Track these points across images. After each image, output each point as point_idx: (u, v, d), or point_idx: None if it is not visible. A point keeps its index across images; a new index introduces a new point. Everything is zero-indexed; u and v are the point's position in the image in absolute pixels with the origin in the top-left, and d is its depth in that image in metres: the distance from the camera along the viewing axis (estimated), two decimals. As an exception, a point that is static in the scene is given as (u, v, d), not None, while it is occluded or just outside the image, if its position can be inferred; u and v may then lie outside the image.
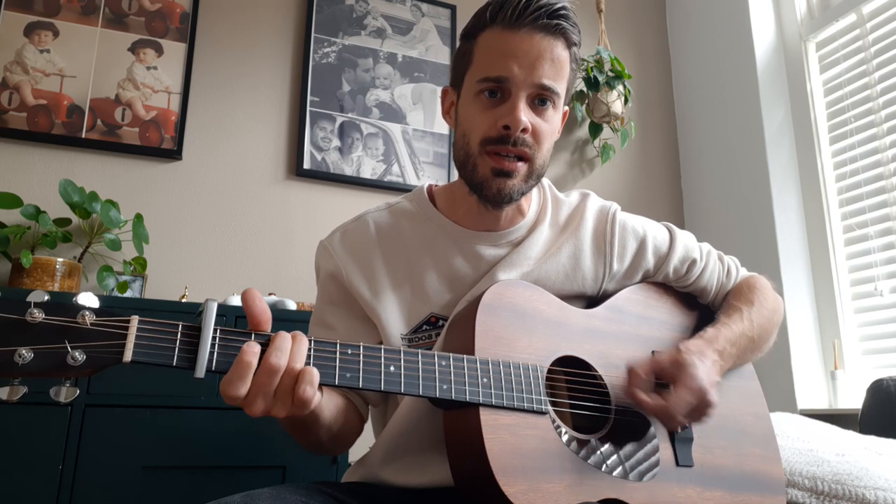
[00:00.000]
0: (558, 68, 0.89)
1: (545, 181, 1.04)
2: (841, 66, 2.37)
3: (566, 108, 0.96)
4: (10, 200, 1.81)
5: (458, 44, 0.97)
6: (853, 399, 2.16)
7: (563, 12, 0.88)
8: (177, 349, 0.67)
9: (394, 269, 0.96)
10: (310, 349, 0.72)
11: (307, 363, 0.71)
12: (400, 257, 0.97)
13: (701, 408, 0.87)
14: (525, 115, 0.88)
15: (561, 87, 0.90)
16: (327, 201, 2.27)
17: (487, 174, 0.90)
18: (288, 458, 1.55)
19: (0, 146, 1.94)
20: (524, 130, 0.88)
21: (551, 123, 0.92)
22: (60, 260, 1.75)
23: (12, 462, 1.37)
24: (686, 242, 1.07)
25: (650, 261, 1.04)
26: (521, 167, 0.90)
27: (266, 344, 0.70)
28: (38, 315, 0.62)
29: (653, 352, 0.98)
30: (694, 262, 1.06)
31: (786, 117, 2.50)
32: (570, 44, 0.90)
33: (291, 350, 0.70)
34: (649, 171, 2.84)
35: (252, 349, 0.68)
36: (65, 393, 0.65)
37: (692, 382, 0.86)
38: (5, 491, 1.35)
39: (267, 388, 0.68)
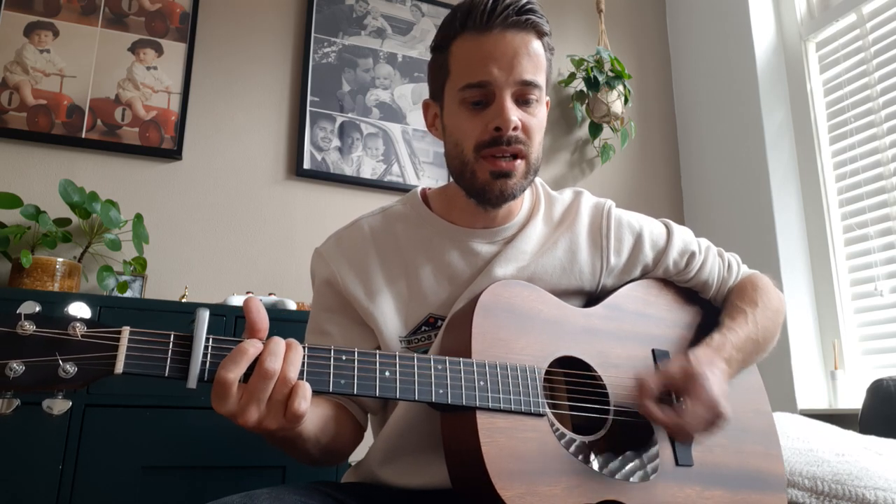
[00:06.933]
0: (536, 62, 0.90)
1: (537, 180, 1.04)
2: (841, 66, 2.37)
3: (547, 98, 0.97)
4: (10, 200, 1.81)
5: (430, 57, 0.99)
6: (853, 399, 2.16)
7: (529, 6, 0.89)
8: (168, 360, 0.67)
9: (390, 272, 0.96)
10: (304, 355, 0.72)
11: (301, 370, 0.71)
12: (395, 260, 0.97)
13: (714, 421, 0.86)
14: (514, 114, 0.88)
15: (541, 79, 0.92)
16: (327, 201, 2.27)
17: (487, 178, 0.90)
18: (288, 458, 1.54)
19: (0, 146, 1.94)
20: (515, 128, 0.89)
21: (538, 117, 0.93)
22: (60, 260, 1.75)
23: (12, 462, 1.37)
24: (684, 236, 1.07)
25: (648, 254, 1.03)
26: (519, 165, 0.91)
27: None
28: (29, 327, 0.61)
29: (653, 351, 0.98)
30: (693, 254, 1.06)
31: (786, 117, 2.50)
32: (541, 34, 0.92)
33: (286, 356, 0.69)
34: (649, 171, 2.84)
35: (253, 343, 0.69)
36: (58, 405, 0.64)
37: (706, 396, 0.85)
38: (5, 491, 1.35)
39: (261, 393, 0.68)
